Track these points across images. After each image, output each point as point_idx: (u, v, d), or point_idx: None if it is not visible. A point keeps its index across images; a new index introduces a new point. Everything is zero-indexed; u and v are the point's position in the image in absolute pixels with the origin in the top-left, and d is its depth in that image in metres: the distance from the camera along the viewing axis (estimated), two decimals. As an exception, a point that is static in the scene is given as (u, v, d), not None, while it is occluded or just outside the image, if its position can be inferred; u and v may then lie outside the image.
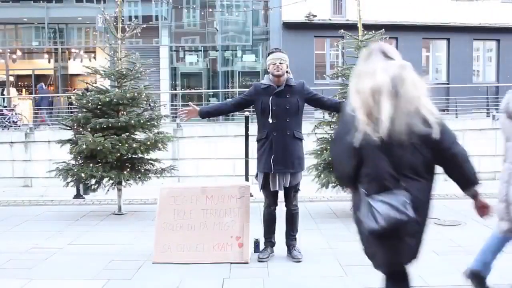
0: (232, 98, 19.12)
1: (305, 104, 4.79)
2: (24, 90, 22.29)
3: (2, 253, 5.16)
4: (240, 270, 4.53)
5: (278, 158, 4.61)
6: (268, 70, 4.75)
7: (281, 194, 4.83)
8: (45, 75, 22.47)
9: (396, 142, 2.40)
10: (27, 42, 21.67)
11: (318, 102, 4.86)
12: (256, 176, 4.84)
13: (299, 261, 4.74)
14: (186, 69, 20.95)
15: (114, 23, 7.46)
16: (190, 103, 5.00)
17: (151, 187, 7.06)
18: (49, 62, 22.08)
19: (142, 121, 7.07)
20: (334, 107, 4.99)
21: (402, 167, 2.45)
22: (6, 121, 16.03)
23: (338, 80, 7.30)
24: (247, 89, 5.06)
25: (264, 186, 4.75)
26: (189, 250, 4.77)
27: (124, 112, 7.18)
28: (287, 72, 4.80)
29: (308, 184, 6.57)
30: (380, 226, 2.39)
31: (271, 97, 4.64)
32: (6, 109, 16.85)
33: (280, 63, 4.70)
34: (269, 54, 4.86)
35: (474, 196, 2.68)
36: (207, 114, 4.95)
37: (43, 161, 12.79)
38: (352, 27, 7.63)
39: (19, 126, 15.90)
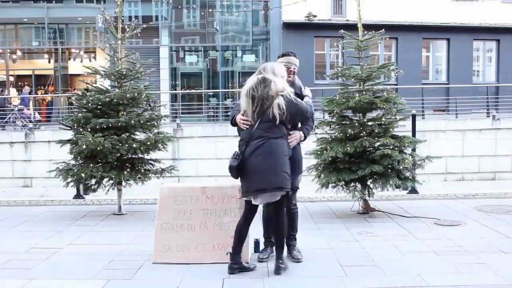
0: (232, 98, 19.11)
1: None
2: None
3: (2, 253, 5.16)
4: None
5: None
6: None
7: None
8: (45, 75, 22.50)
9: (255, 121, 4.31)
10: (27, 42, 21.68)
11: None
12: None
13: (299, 261, 4.74)
14: (186, 69, 20.94)
15: (114, 23, 7.47)
16: None
17: (151, 187, 7.06)
18: (49, 62, 22.09)
19: (142, 121, 7.07)
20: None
21: (254, 135, 4.28)
22: (26, 119, 15.80)
23: (338, 80, 7.28)
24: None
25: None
26: (189, 250, 4.77)
27: (124, 112, 7.17)
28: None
29: (308, 184, 6.57)
30: (229, 167, 4.32)
31: None
32: (26, 109, 16.65)
33: (293, 68, 4.83)
34: (282, 56, 4.92)
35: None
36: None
37: (43, 161, 12.76)
38: (352, 27, 7.63)
39: (38, 126, 15.52)
